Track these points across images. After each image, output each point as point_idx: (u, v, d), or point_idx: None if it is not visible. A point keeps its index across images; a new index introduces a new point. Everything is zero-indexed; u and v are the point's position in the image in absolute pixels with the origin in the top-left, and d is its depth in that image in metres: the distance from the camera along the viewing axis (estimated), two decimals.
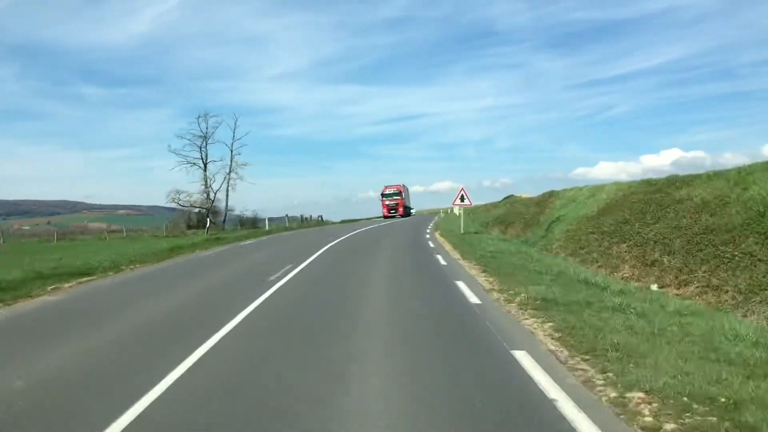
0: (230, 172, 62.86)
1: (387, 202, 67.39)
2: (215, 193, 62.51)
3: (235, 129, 63.35)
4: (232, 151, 63.31)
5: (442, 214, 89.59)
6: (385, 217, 65.53)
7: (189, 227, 59.35)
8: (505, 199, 61.65)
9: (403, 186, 71.77)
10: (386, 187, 69.86)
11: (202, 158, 62.28)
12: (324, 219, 73.41)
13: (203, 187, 62.62)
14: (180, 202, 61.48)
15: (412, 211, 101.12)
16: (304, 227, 43.10)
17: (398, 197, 67.70)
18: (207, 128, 62.03)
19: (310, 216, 63.85)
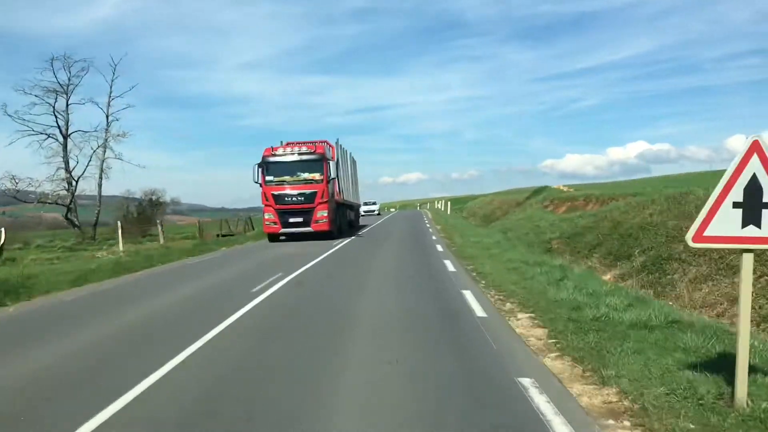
0: (105, 146, 40.45)
1: (277, 193, 23.49)
2: (77, 181, 40.07)
3: (113, 81, 40.90)
4: (108, 116, 40.87)
5: (425, 211, 68.54)
6: (270, 236, 24.39)
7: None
8: (538, 192, 40.27)
9: (327, 145, 25.83)
10: (287, 144, 25.27)
11: (59, 126, 39.67)
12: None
13: (63, 170, 40.06)
14: (18, 195, 38.65)
15: (374, 208, 62.16)
16: (184, 256, 19.55)
17: (314, 177, 23.41)
18: (69, 79, 39.45)
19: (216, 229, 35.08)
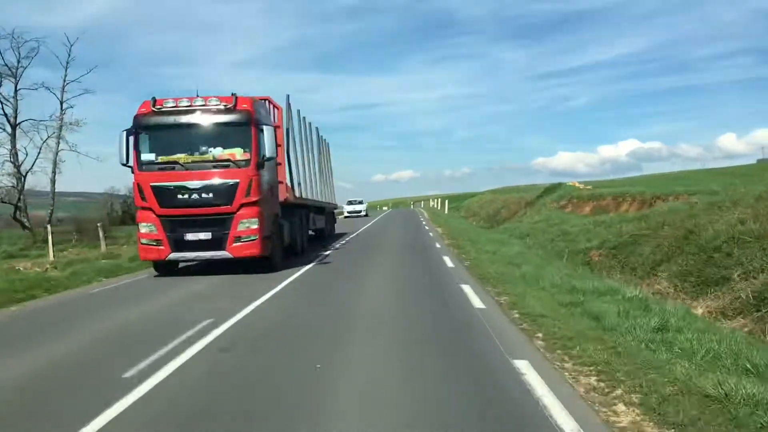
0: (59, 136, 35.57)
1: (162, 185, 12.13)
2: (24, 176, 35.18)
3: (68, 63, 35.93)
4: (62, 103, 35.92)
5: (420, 210, 63.73)
6: (156, 265, 13.16)
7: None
8: (551, 190, 35.71)
9: (267, 103, 14.87)
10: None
11: (5, 114, 34.72)
12: None
13: (10, 163, 35.17)
14: None
15: (361, 208, 48.58)
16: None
17: (233, 156, 12.27)
18: (18, 61, 34.46)
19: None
